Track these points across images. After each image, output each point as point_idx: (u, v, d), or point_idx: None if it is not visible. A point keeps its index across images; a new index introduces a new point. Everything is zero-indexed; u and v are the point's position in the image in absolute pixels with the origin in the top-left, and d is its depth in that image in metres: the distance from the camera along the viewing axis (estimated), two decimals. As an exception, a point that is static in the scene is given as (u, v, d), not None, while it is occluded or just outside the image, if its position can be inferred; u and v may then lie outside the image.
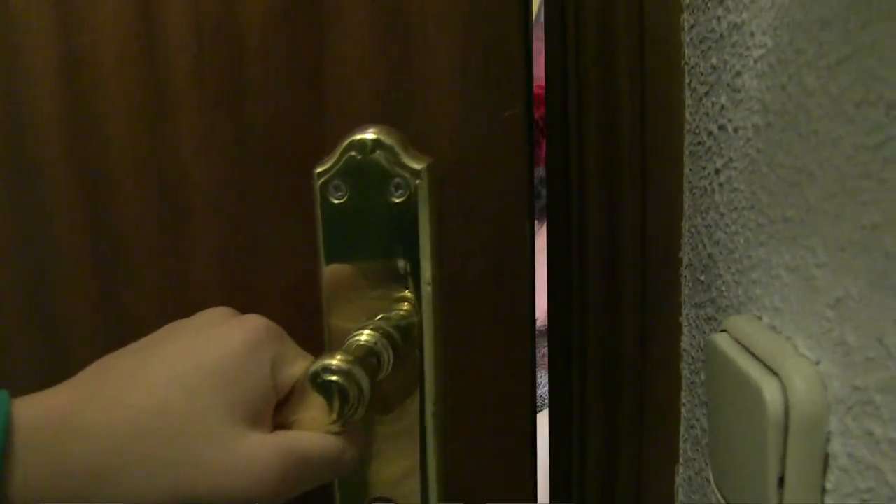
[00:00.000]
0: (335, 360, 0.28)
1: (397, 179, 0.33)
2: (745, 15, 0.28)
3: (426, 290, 0.33)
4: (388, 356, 0.32)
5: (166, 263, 0.36)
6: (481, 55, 0.32)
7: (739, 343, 0.27)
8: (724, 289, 0.31)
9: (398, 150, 0.32)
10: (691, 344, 0.37)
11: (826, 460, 0.23)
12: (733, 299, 0.30)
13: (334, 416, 0.28)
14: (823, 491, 0.23)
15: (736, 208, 0.29)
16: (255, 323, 0.30)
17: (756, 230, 0.27)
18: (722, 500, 0.29)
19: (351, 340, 0.31)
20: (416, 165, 0.32)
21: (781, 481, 0.23)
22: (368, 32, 0.33)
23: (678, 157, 0.36)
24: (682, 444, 0.39)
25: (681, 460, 0.39)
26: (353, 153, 0.33)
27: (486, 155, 0.33)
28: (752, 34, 0.27)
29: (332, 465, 0.29)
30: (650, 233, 0.37)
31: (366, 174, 0.33)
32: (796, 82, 0.24)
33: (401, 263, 0.33)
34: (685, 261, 0.37)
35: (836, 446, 0.22)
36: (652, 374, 0.39)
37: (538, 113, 0.80)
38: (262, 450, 0.27)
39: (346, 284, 0.34)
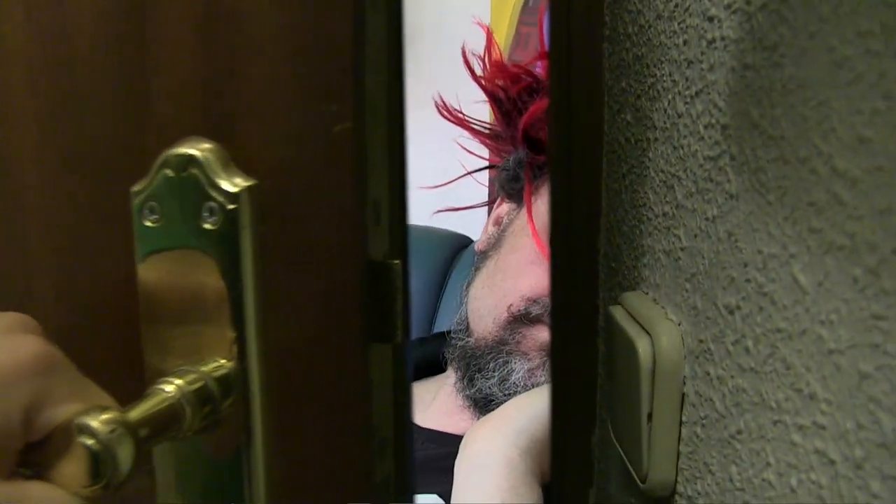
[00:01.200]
0: (99, 422, 0.25)
1: (211, 203, 0.29)
2: (643, 49, 0.35)
3: (250, 333, 0.30)
4: (190, 413, 0.28)
5: (7, 279, 0.35)
6: (310, 63, 0.30)
7: (628, 312, 0.34)
8: (626, 273, 0.38)
9: (213, 168, 0.29)
10: (605, 322, 0.44)
11: (682, 398, 0.30)
12: (631, 281, 0.37)
13: (84, 483, 0.25)
14: (680, 423, 0.30)
15: (635, 206, 0.37)
16: (26, 348, 0.26)
17: (646, 223, 0.35)
18: (615, 441, 0.36)
19: (152, 389, 0.28)
20: (232, 188, 0.29)
21: (650, 416, 0.30)
22: (194, 34, 0.31)
23: (598, 163, 0.43)
24: (598, 409, 0.46)
25: (597, 422, 0.46)
26: (167, 171, 0.29)
27: (315, 176, 0.30)
28: (647, 66, 0.34)
29: None
30: (574, 226, 0.44)
31: (180, 195, 0.29)
32: (672, 106, 0.31)
33: (220, 302, 0.30)
34: (602, 251, 0.44)
35: (688, 387, 0.29)
36: (574, 350, 0.46)
37: (514, 90, 0.82)
38: None
39: (163, 321, 0.31)
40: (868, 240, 0.19)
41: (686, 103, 0.29)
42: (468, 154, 0.93)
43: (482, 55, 0.83)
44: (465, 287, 0.85)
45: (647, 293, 0.34)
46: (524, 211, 0.78)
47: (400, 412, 0.33)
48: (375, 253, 0.31)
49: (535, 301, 0.73)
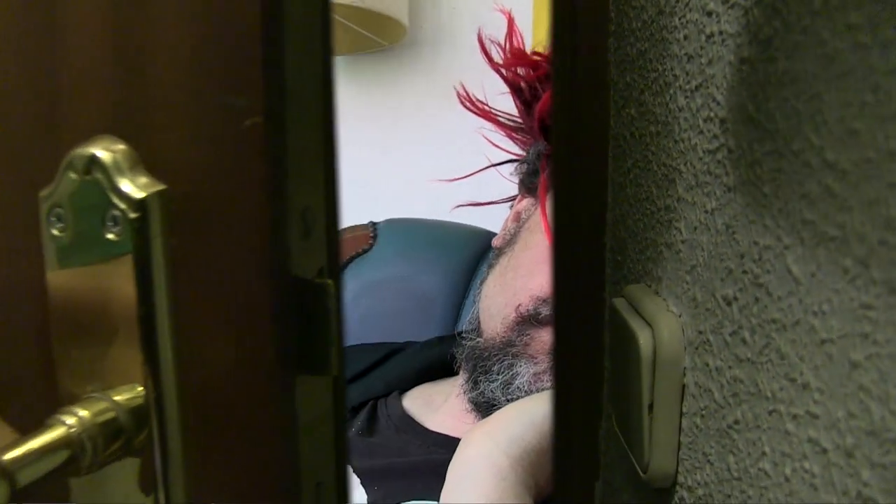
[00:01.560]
0: None
1: (113, 211, 0.26)
2: (646, 45, 0.35)
3: (164, 359, 0.26)
4: (91, 449, 0.25)
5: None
6: (217, 49, 0.27)
7: (631, 305, 0.34)
8: (630, 265, 0.38)
9: (118, 171, 0.26)
10: (609, 314, 0.44)
11: (682, 389, 0.30)
12: (635, 274, 0.37)
13: None
14: (681, 414, 0.30)
15: (639, 200, 0.37)
16: None
17: (649, 217, 0.35)
18: (618, 432, 0.36)
19: (52, 419, 0.25)
20: (137, 194, 0.25)
21: (651, 407, 0.31)
22: (103, 20, 0.28)
23: (604, 157, 0.43)
24: (605, 403, 0.46)
25: (603, 416, 0.47)
26: (71, 174, 0.26)
27: (226, 180, 0.26)
28: (650, 61, 0.34)
29: None
30: (581, 221, 0.44)
31: (85, 201, 0.26)
32: (673, 100, 0.31)
33: (132, 322, 0.26)
34: (608, 245, 0.44)
35: (688, 378, 0.30)
36: (581, 344, 0.46)
37: (532, 77, 0.75)
38: None
39: (75, 340, 0.28)
40: (857, 231, 0.19)
41: (686, 97, 0.30)
42: (499, 149, 0.89)
43: (503, 43, 0.79)
44: (479, 284, 0.82)
45: (649, 286, 0.35)
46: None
47: (340, 454, 0.29)
48: (304, 270, 0.27)
49: (545, 301, 0.70)
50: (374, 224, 1.06)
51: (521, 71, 0.78)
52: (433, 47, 1.38)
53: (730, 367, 0.26)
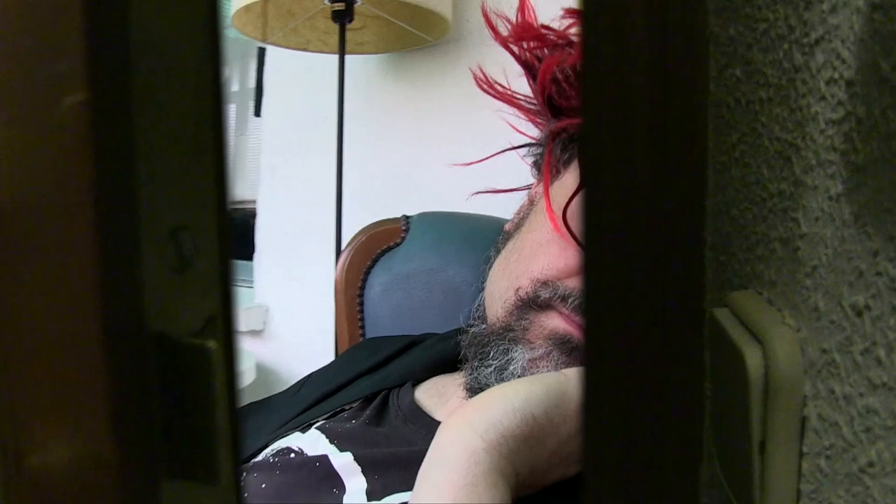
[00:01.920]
0: None
1: None
2: (754, -12, 0.34)
3: None
4: None
5: None
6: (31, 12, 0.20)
7: (736, 316, 0.33)
8: (736, 267, 0.37)
9: None
10: (709, 328, 0.43)
11: (802, 423, 0.29)
12: (742, 277, 0.36)
13: None
14: (801, 454, 0.29)
15: (746, 184, 0.35)
16: None
17: (760, 205, 0.34)
18: (721, 477, 0.35)
19: None
20: None
21: (763, 446, 0.29)
22: None
23: (703, 130, 0.42)
24: (705, 438, 0.45)
25: (705, 456, 0.45)
26: None
27: (48, 182, 0.21)
28: (759, 7, 0.33)
29: None
30: (671, 212, 0.43)
31: None
32: (788, 58, 0.30)
33: None
34: (709, 241, 0.43)
35: (810, 409, 0.28)
36: (672, 366, 0.45)
37: (537, 49, 0.84)
38: None
39: None
40: None
41: (804, 54, 0.28)
42: (525, 136, 0.97)
43: (514, 18, 0.88)
44: (486, 270, 0.90)
45: (759, 292, 0.33)
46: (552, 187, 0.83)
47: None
48: (176, 322, 0.22)
49: (545, 284, 0.76)
50: (406, 217, 1.19)
51: (532, 44, 0.86)
52: (478, 42, 1.55)
53: (861, 395, 0.25)
